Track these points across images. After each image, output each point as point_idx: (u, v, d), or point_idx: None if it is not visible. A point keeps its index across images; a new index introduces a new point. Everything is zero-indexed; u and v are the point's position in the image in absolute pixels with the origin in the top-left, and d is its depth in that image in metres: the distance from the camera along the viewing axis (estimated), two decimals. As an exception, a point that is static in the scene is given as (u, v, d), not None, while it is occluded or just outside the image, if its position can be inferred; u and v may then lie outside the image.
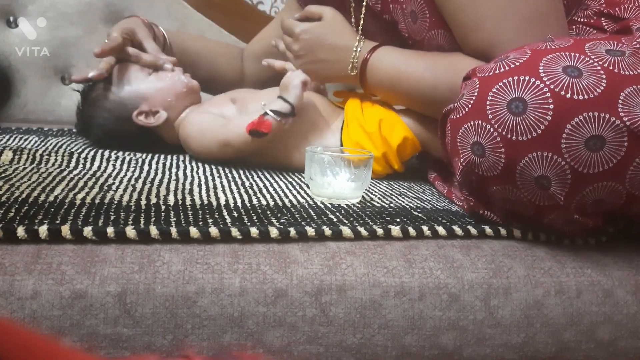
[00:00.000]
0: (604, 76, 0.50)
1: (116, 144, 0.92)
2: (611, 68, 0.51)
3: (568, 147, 0.50)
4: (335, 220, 0.57)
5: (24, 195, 0.56)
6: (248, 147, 0.82)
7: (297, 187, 0.73)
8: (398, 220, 0.59)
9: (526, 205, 0.56)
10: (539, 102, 0.51)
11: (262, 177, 0.79)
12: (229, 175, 0.78)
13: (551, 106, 0.50)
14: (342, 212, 0.61)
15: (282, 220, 0.56)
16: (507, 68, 0.54)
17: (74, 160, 0.79)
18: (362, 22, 0.88)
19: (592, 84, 0.50)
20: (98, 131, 0.93)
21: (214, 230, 0.51)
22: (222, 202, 0.61)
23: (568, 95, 0.50)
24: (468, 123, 0.55)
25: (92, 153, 0.85)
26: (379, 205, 0.66)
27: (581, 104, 0.50)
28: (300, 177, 0.81)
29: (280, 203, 0.63)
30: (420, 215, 0.62)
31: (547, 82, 0.51)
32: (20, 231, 0.47)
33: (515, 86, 0.52)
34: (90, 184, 0.64)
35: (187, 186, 0.68)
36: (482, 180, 0.57)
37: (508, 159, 0.53)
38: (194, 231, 0.51)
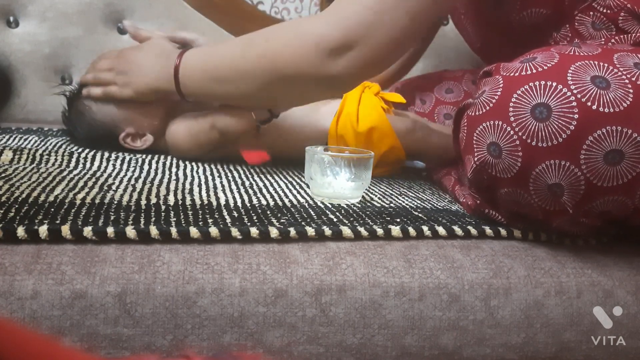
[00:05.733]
0: (631, 90, 0.50)
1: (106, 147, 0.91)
2: (639, 83, 0.50)
3: (587, 159, 0.50)
4: (335, 220, 0.57)
5: (24, 195, 0.56)
6: (234, 128, 0.82)
7: (297, 187, 0.73)
8: (398, 220, 0.59)
9: (534, 209, 0.56)
10: (564, 110, 0.50)
11: (262, 177, 0.79)
12: (229, 175, 0.78)
13: (576, 116, 0.50)
14: (342, 212, 0.61)
15: (282, 220, 0.56)
16: (534, 71, 0.53)
17: (74, 160, 0.79)
18: None
19: (619, 97, 0.50)
20: (87, 140, 0.92)
21: (214, 230, 0.51)
22: (222, 202, 0.61)
23: (594, 107, 0.49)
24: (487, 122, 0.54)
25: (92, 153, 0.85)
26: (379, 205, 0.66)
27: (606, 116, 0.49)
28: (300, 177, 0.81)
29: (280, 203, 0.63)
30: (420, 215, 0.62)
31: (575, 91, 0.50)
32: (20, 231, 0.47)
33: (542, 91, 0.51)
34: (90, 184, 0.64)
35: (187, 186, 0.68)
36: (494, 181, 0.56)
37: (524, 164, 0.52)
38: (194, 231, 0.51)
